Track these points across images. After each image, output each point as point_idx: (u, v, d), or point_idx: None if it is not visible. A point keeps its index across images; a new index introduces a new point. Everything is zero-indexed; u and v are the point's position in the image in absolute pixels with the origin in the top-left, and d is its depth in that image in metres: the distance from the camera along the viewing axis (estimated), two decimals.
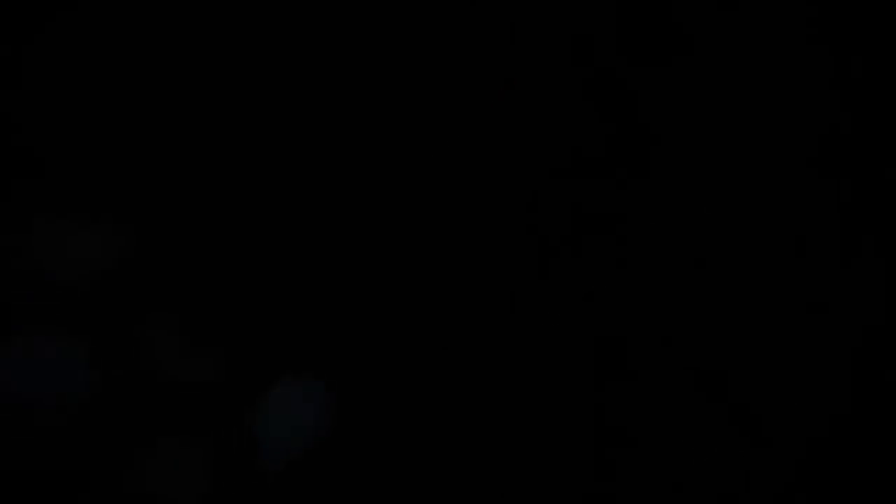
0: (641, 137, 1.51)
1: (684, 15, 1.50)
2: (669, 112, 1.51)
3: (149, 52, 1.44)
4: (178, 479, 1.40)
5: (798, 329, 1.49)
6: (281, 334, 1.45)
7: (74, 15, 1.46)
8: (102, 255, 1.44)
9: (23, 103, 1.43)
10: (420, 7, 1.50)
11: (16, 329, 1.40)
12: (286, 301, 1.45)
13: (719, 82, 1.51)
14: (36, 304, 1.41)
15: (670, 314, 1.49)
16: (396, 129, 1.50)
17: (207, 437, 1.42)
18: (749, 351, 1.48)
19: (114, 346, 1.42)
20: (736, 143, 1.51)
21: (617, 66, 1.51)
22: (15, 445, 1.37)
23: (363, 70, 1.50)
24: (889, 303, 1.48)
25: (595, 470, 1.45)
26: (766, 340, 1.48)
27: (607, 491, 1.45)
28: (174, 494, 1.40)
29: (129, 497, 1.39)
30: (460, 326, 1.47)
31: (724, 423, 1.46)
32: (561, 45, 1.51)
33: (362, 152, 1.49)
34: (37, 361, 1.40)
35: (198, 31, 1.45)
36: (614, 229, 1.50)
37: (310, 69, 1.49)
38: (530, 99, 1.51)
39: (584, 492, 1.45)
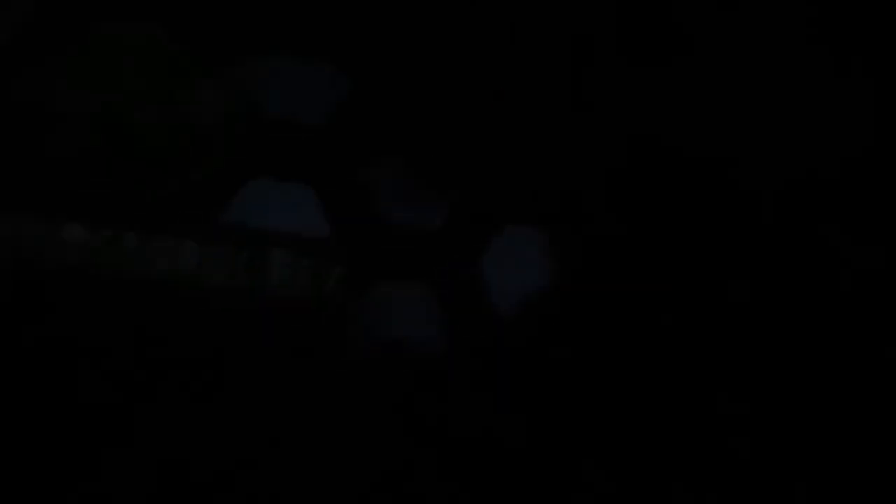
0: (641, 137, 1.51)
1: (684, 15, 1.51)
2: (669, 112, 1.51)
3: None
4: (409, 323, 1.41)
5: (799, 327, 1.50)
6: (505, 180, 1.45)
7: (75, 15, 1.46)
8: (327, 97, 1.42)
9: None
10: (420, 7, 1.50)
11: (242, 171, 1.41)
12: (510, 146, 1.44)
13: (719, 82, 1.52)
14: (259, 145, 1.40)
15: (672, 318, 1.49)
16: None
17: (436, 281, 1.43)
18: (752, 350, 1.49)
19: (339, 191, 1.42)
20: (736, 143, 1.52)
21: (617, 66, 1.51)
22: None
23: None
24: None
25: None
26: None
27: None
28: (407, 337, 1.41)
29: (362, 340, 1.39)
30: None
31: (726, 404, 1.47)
32: (561, 45, 1.51)
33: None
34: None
35: None
36: (614, 229, 1.50)
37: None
38: (530, 99, 1.51)
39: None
